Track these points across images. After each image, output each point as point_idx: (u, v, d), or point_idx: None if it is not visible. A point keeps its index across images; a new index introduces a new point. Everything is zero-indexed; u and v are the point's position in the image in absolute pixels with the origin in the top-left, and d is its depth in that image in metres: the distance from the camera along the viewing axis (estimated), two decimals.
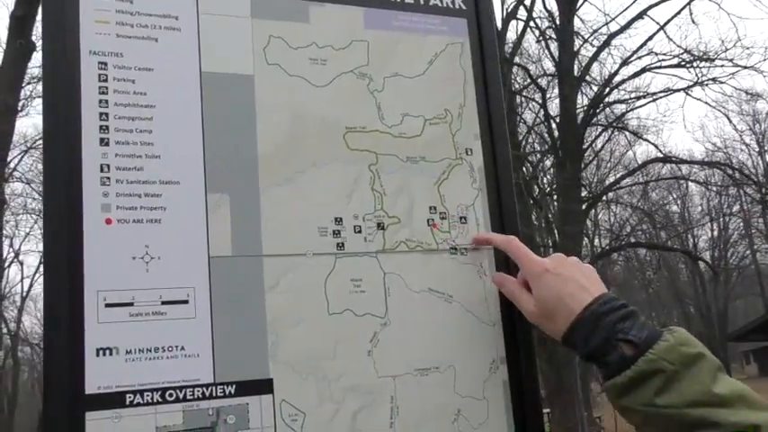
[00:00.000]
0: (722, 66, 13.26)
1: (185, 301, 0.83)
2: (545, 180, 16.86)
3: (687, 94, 13.89)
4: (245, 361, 0.84)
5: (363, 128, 0.96)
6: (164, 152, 0.85)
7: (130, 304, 0.80)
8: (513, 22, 13.40)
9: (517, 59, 13.74)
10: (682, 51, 13.34)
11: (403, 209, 0.96)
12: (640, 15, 13.22)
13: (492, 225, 1.00)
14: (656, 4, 13.06)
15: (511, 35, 13.42)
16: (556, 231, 14.12)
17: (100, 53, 0.85)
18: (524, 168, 13.70)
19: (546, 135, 15.09)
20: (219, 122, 0.88)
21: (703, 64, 13.20)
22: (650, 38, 13.58)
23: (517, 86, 14.29)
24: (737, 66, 12.99)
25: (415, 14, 1.03)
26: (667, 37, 15.63)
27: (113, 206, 0.82)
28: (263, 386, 0.84)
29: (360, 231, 0.93)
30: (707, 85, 13.47)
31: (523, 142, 14.60)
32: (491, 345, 0.96)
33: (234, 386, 0.82)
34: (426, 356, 0.92)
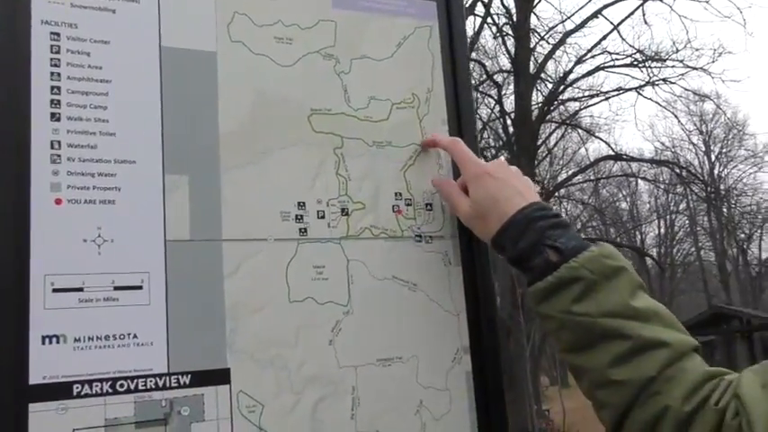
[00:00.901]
0: (673, 66, 13.55)
1: (139, 287, 0.78)
2: None
3: (639, 93, 14.17)
4: (201, 350, 0.80)
5: (329, 110, 0.93)
6: (119, 130, 0.81)
7: (80, 289, 0.76)
8: (471, 18, 13.45)
9: (474, 55, 13.80)
10: (634, 51, 13.59)
11: (368, 194, 0.93)
12: (595, 14, 13.41)
13: None
14: (610, 4, 13.26)
15: (468, 31, 13.47)
16: None
17: (52, 23, 0.80)
18: None
19: (501, 131, 15.21)
20: (179, 100, 0.84)
21: (655, 64, 13.47)
22: (604, 37, 13.80)
23: (474, 82, 14.36)
24: (687, 67, 13.30)
25: None
26: (621, 37, 15.89)
27: (64, 185, 0.77)
28: (219, 376, 0.80)
29: (323, 217, 0.90)
30: (658, 84, 13.76)
31: (479, 138, 14.69)
32: (455, 334, 0.94)
33: (189, 376, 0.79)
34: (389, 346, 0.90)
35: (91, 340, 0.75)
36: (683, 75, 13.67)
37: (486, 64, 14.52)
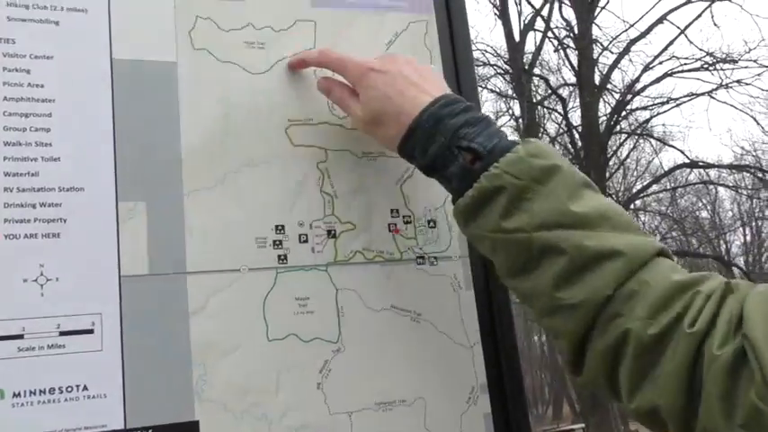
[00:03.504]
0: (746, 67, 12.98)
1: (89, 331, 0.69)
2: None
3: (711, 97, 13.61)
4: (164, 400, 0.69)
5: (310, 120, 0.82)
6: (65, 154, 0.72)
7: (20, 337, 0.66)
8: (531, 33, 13.26)
9: (537, 70, 13.58)
10: (704, 54, 13.08)
11: (359, 213, 0.81)
12: (660, 20, 13.00)
13: None
14: (675, 9, 12.84)
15: (529, 47, 13.28)
16: None
17: None
18: None
19: (569, 145, 14.87)
20: (134, 117, 0.75)
21: (727, 66, 12.93)
22: (671, 42, 13.33)
23: (538, 97, 14.12)
24: (763, 66, 12.71)
25: None
26: (688, 40, 15.38)
27: (0, 219, 0.68)
28: (186, 430, 0.69)
29: (306, 241, 0.79)
30: (732, 87, 13.18)
31: None
32: (469, 371, 0.81)
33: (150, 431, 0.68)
34: (390, 388, 0.78)
35: (33, 395, 0.66)
36: (758, 75, 13.07)
37: (550, 79, 14.26)
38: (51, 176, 0.71)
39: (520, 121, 13.06)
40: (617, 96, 13.73)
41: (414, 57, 0.81)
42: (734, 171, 16.51)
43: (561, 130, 14.75)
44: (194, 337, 0.72)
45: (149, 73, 0.77)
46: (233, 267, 0.75)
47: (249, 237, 0.76)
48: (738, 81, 13.06)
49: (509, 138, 0.70)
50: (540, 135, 13.61)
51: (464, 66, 0.90)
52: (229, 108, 0.79)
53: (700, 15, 12.89)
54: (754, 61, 12.77)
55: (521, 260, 0.66)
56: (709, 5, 12.52)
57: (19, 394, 0.65)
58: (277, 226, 0.78)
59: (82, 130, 0.73)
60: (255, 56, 0.82)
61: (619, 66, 13.55)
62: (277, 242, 0.77)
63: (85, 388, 0.67)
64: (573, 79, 13.85)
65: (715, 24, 16.65)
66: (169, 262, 0.73)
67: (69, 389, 0.67)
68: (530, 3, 12.94)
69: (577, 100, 13.68)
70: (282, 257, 0.77)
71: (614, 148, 15.16)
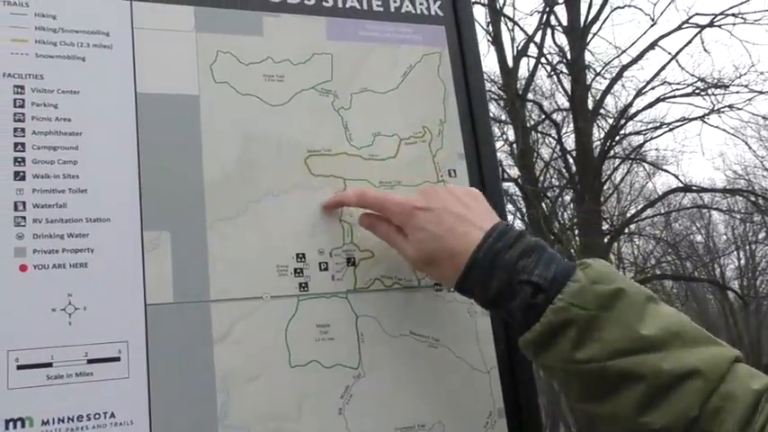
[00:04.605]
0: (737, 92, 13.10)
1: (116, 359, 0.70)
2: (565, 215, 16.65)
3: (704, 122, 13.71)
4: (189, 427, 0.70)
5: (328, 150, 0.84)
6: (91, 186, 0.73)
7: (49, 365, 0.68)
8: (525, 59, 13.37)
9: (530, 96, 13.68)
10: (695, 80, 13.21)
11: (377, 241, 0.83)
12: (651, 46, 13.14)
13: None
14: (666, 35, 12.98)
15: (522, 72, 13.39)
16: None
17: (16, 75, 0.74)
18: (543, 204, 13.53)
19: (563, 170, 14.94)
20: (158, 149, 0.77)
21: (718, 91, 13.04)
22: (663, 68, 13.44)
23: (532, 122, 14.20)
24: (753, 91, 12.83)
25: (385, 23, 0.92)
26: (680, 66, 15.50)
27: (29, 250, 0.70)
28: None
29: (326, 269, 0.80)
30: (723, 112, 13.29)
31: (541, 178, 14.46)
32: (487, 395, 0.82)
33: None
34: (409, 413, 0.79)
35: (61, 422, 0.67)
36: (749, 100, 13.18)
37: (544, 104, 14.36)
38: (79, 208, 0.72)
39: (514, 146, 13.12)
40: (610, 121, 13.82)
41: (458, 187, 0.80)
42: (727, 195, 16.60)
43: (555, 155, 14.82)
44: (218, 363, 0.73)
45: (172, 106, 0.79)
46: (255, 295, 0.76)
47: (271, 265, 0.78)
48: (730, 106, 13.17)
49: (563, 260, 0.69)
50: (534, 160, 13.68)
51: (477, 98, 0.92)
52: (250, 139, 0.81)
53: (690, 41, 13.02)
54: (745, 86, 12.89)
55: (597, 388, 0.65)
56: (700, 32, 12.66)
57: (47, 422, 0.66)
58: (298, 254, 0.79)
59: (108, 162, 0.75)
60: (274, 88, 0.84)
61: (612, 91, 13.66)
62: (298, 270, 0.79)
63: (113, 415, 0.68)
64: (566, 104, 13.95)
65: (705, 50, 16.84)
66: (193, 290, 0.74)
67: (97, 416, 0.68)
68: (522, 29, 13.08)
69: (571, 125, 13.77)
70: (303, 285, 0.78)
71: (608, 172, 15.23)
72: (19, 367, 0.67)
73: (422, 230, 0.74)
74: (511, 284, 0.68)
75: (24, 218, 0.70)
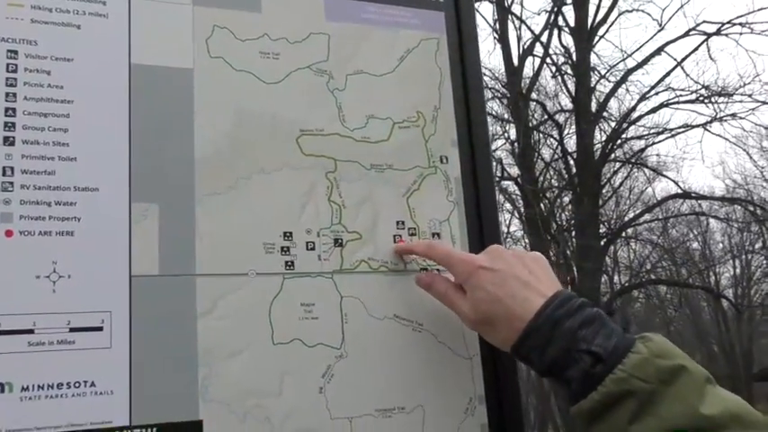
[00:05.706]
0: (741, 101, 13.10)
1: (99, 328, 0.70)
2: (563, 216, 16.65)
3: (706, 129, 13.71)
4: (169, 399, 0.70)
5: (321, 130, 0.84)
6: (81, 154, 0.73)
7: (30, 331, 0.68)
8: (530, 59, 13.35)
9: (534, 95, 13.66)
10: (700, 87, 13.20)
11: (365, 223, 0.83)
12: (657, 52, 13.12)
13: (470, 243, 0.87)
14: (673, 41, 12.96)
15: (527, 71, 13.38)
16: (574, 268, 13.88)
17: (9, 40, 0.73)
18: (542, 204, 13.53)
19: (563, 171, 14.93)
20: (150, 121, 0.77)
21: (722, 99, 13.03)
22: (668, 74, 13.45)
23: (534, 122, 14.19)
24: (757, 101, 12.82)
25: (386, 6, 0.92)
26: (685, 73, 15.49)
27: (16, 215, 0.70)
28: (190, 429, 0.70)
29: (313, 248, 0.80)
30: (726, 120, 13.29)
31: (541, 178, 14.45)
32: (467, 381, 0.83)
33: (154, 429, 0.69)
34: (390, 395, 0.79)
35: (41, 389, 0.67)
36: (752, 110, 13.19)
37: (547, 104, 14.34)
38: (67, 176, 0.72)
39: (515, 144, 13.12)
40: (613, 124, 13.82)
41: (524, 252, 0.78)
42: (726, 203, 16.61)
43: (556, 156, 14.81)
44: (201, 337, 0.73)
45: (165, 78, 0.79)
46: (241, 271, 0.76)
47: (258, 242, 0.78)
48: (733, 115, 13.17)
49: (623, 333, 0.68)
50: (535, 159, 13.67)
51: (473, 86, 0.92)
52: (242, 116, 0.81)
53: (696, 48, 13.02)
54: (749, 96, 12.88)
55: None
56: (706, 39, 12.65)
57: (27, 388, 0.66)
58: (285, 233, 0.79)
59: (99, 131, 0.74)
60: (270, 65, 0.84)
61: (616, 94, 13.65)
62: (285, 248, 0.79)
63: (93, 384, 0.68)
64: (570, 106, 13.94)
65: (711, 58, 16.81)
66: (179, 263, 0.74)
67: (77, 384, 0.68)
68: (529, 28, 13.08)
69: (573, 126, 13.76)
70: (290, 264, 0.78)
71: (608, 175, 15.22)
72: (0, 332, 0.67)
73: (482, 290, 0.74)
74: (569, 352, 0.67)
75: (12, 183, 0.70)
